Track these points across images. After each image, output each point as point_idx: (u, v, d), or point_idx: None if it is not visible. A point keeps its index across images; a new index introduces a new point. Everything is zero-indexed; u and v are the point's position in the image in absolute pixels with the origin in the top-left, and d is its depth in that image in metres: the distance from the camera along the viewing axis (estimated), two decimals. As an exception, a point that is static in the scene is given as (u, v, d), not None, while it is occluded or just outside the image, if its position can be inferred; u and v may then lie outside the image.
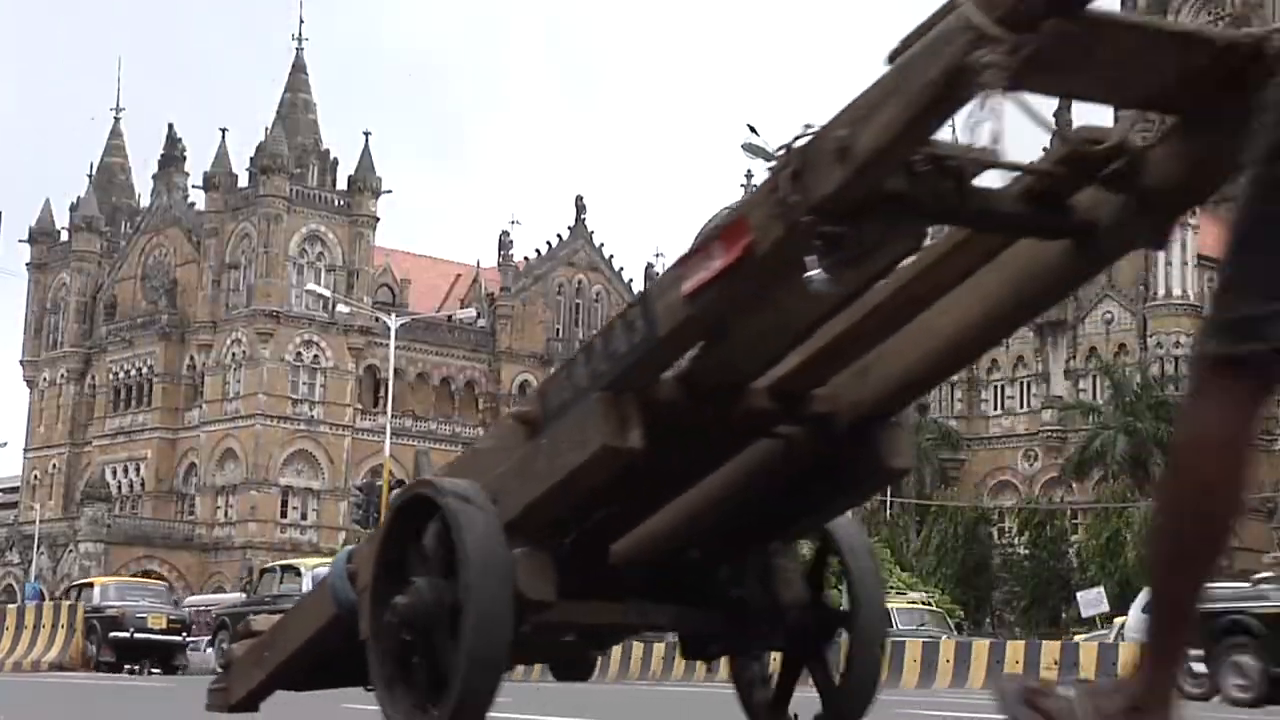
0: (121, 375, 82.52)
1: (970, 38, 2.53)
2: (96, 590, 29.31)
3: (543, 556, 3.67)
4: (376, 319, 71.42)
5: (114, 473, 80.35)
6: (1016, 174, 2.96)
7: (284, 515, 75.31)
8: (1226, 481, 2.39)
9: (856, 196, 2.83)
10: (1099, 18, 2.67)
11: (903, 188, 2.83)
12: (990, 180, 2.96)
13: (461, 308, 75.52)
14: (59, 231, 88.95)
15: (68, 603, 29.06)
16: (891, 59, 2.70)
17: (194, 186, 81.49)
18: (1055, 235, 2.84)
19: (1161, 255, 67.63)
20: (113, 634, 26.71)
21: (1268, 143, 2.44)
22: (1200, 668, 16.61)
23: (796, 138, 2.89)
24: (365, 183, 78.15)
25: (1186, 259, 67.85)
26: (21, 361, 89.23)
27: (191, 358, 79.63)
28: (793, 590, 4.00)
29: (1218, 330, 2.44)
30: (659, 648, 27.95)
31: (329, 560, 26.17)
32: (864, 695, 3.97)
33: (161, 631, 27.20)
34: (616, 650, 29.00)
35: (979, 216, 3.04)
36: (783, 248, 2.94)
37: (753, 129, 34.84)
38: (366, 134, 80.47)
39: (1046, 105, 2.79)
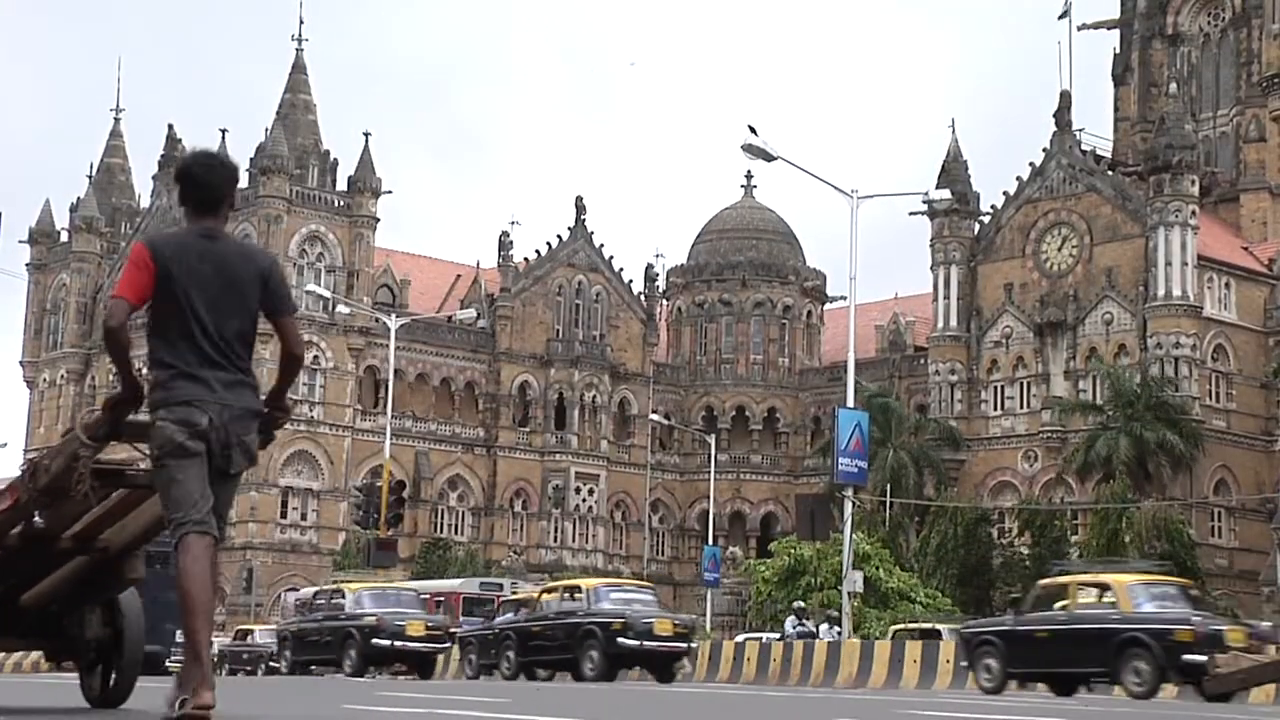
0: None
1: (77, 443, 6.91)
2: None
3: None
4: (376, 319, 71.39)
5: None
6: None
7: (284, 516, 75.31)
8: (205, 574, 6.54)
9: (57, 488, 7.05)
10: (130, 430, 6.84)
11: (82, 484, 6.97)
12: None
13: (461, 308, 75.50)
14: (59, 232, 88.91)
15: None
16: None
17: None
18: None
19: (1161, 256, 67.67)
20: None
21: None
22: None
23: (30, 465, 7.29)
24: (365, 183, 78.09)
25: (1186, 260, 67.78)
26: (21, 362, 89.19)
27: (191, 358, 79.64)
28: (94, 629, 8.16)
29: (177, 525, 6.50)
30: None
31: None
32: (130, 678, 8.18)
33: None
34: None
35: (132, 486, 7.43)
36: (27, 505, 7.32)
37: (753, 130, 34.79)
38: (366, 135, 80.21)
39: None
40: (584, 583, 28.42)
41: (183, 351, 6.60)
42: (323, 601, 29.91)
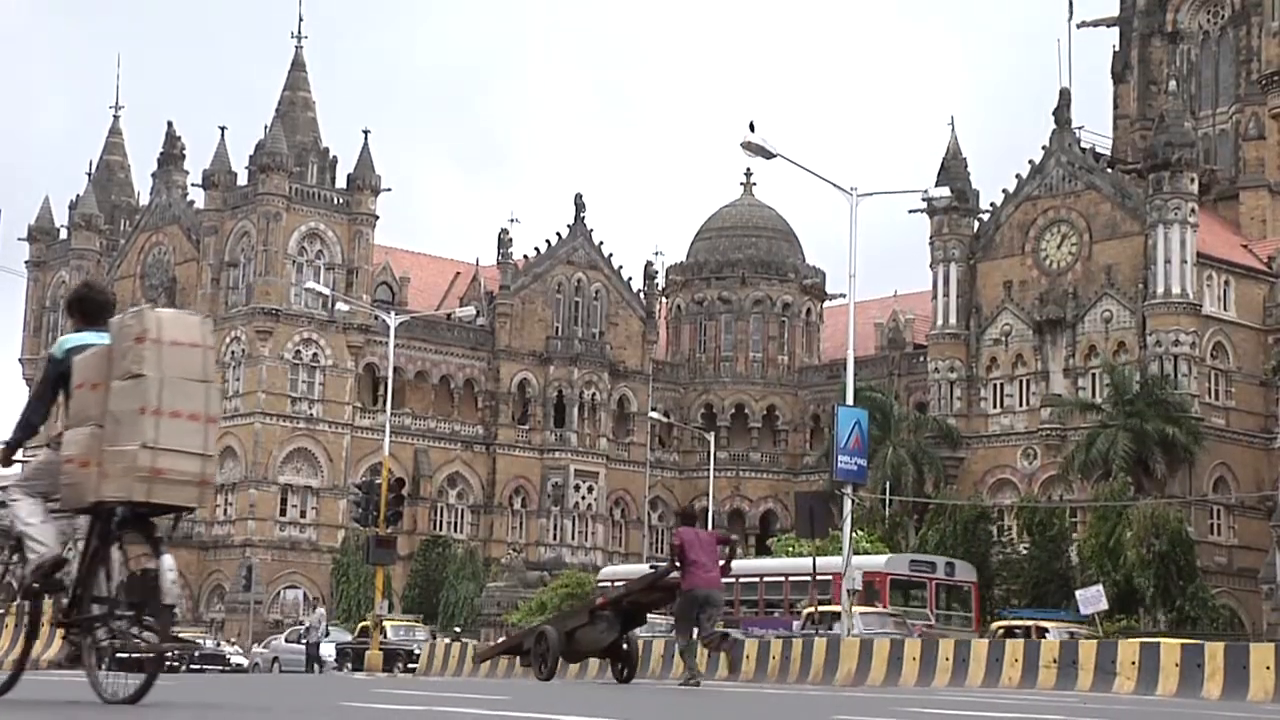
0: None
1: None
2: None
3: None
4: (376, 317, 71.36)
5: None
6: None
7: (283, 513, 75.32)
8: None
9: None
10: None
11: None
12: None
13: (461, 306, 75.50)
14: (58, 230, 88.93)
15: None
16: None
17: (193, 185, 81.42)
18: None
19: (1161, 254, 67.66)
20: None
21: None
22: None
23: None
24: (365, 181, 78.11)
25: (1186, 258, 67.75)
26: (21, 360, 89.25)
27: (191, 356, 79.58)
28: None
29: None
30: (658, 645, 27.97)
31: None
32: None
33: None
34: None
35: None
36: None
37: (752, 127, 34.76)
38: (366, 132, 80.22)
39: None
40: None
41: None
42: None
